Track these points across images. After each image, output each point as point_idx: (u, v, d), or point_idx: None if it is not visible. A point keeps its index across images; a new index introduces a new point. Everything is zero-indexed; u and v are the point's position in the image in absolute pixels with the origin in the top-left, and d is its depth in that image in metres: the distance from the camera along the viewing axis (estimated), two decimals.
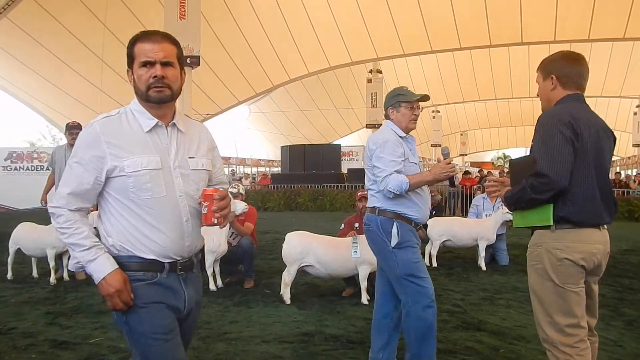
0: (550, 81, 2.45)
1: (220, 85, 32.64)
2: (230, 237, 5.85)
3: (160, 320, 1.85)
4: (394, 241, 2.97)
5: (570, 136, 2.23)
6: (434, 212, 7.96)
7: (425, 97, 3.16)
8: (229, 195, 1.92)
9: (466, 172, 18.76)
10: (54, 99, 31.57)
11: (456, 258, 7.46)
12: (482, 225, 6.84)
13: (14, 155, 16.73)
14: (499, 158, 71.53)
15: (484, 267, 6.64)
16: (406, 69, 41.91)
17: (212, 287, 5.42)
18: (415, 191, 3.03)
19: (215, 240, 5.36)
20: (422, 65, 41.98)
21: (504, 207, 6.91)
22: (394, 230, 2.98)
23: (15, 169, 16.65)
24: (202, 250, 2.06)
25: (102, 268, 1.79)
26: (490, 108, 54.32)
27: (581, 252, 2.27)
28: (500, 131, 64.66)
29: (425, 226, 6.15)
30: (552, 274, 2.30)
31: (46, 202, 6.45)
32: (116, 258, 1.83)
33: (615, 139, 2.44)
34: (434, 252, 6.95)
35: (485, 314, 4.57)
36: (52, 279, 5.88)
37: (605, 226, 2.37)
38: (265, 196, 18.30)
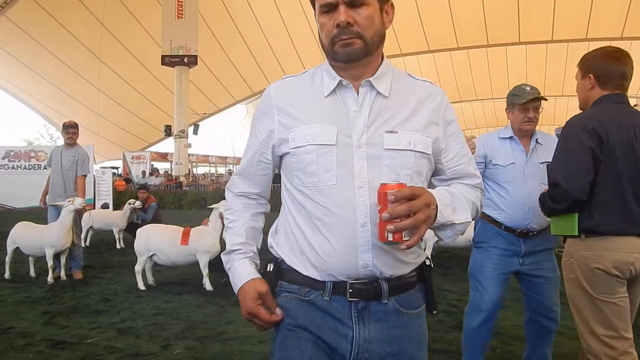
0: (589, 80, 2.34)
1: (217, 85, 32.68)
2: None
3: (293, 354, 1.31)
4: (475, 238, 3.12)
5: (591, 145, 2.16)
6: None
7: (539, 98, 2.96)
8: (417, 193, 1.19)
9: None
10: (51, 97, 31.53)
11: (453, 258, 7.49)
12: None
13: (12, 154, 16.69)
14: None
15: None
16: (403, 68, 41.92)
17: (208, 287, 5.43)
18: (503, 196, 2.95)
19: (210, 240, 5.36)
20: (419, 65, 42.06)
21: None
22: (477, 228, 3.11)
23: (13, 167, 16.61)
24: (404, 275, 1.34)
25: (236, 279, 1.42)
26: (488, 108, 54.46)
27: (613, 261, 2.16)
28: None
29: None
30: (585, 284, 2.22)
31: (45, 203, 6.46)
32: (279, 264, 1.41)
33: None
34: (429, 253, 6.96)
35: None
36: (50, 278, 5.89)
37: None
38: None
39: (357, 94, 1.32)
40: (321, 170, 1.29)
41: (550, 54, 36.80)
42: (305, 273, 1.31)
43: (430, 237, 6.92)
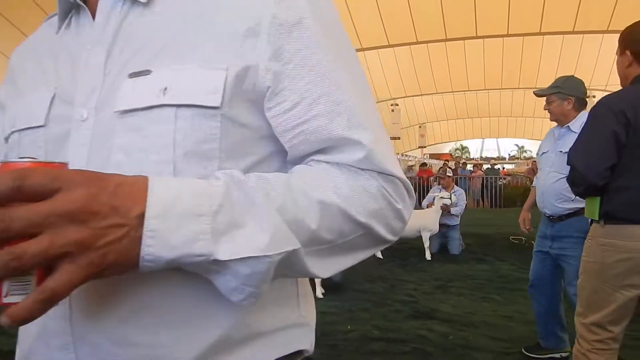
0: (626, 57, 2.17)
1: None
2: None
3: None
4: None
5: (615, 129, 2.03)
6: None
7: (542, 91, 3.19)
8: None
9: (423, 164, 19.06)
10: None
11: (411, 249, 7.56)
12: (424, 216, 6.97)
13: None
14: (457, 149, 73.07)
15: (429, 257, 6.78)
16: (364, 62, 42.25)
17: None
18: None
19: None
20: (380, 59, 42.36)
21: (442, 193, 7.07)
22: None
23: None
24: None
25: None
26: (448, 100, 55.26)
27: (629, 252, 2.05)
28: (458, 123, 65.87)
29: None
30: (596, 271, 2.17)
31: None
32: None
33: None
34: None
35: (437, 303, 4.66)
36: None
37: None
38: None
39: (94, 20, 0.68)
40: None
41: (507, 48, 37.69)
42: None
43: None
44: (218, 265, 0.52)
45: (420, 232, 6.89)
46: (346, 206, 0.62)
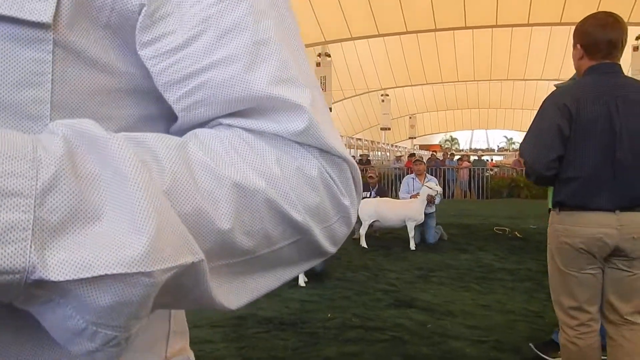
0: (577, 50, 2.25)
1: None
2: None
3: None
4: None
5: (559, 123, 2.15)
6: (374, 194, 8.08)
7: (563, 83, 3.03)
8: None
9: (411, 155, 19.08)
10: None
11: (396, 239, 7.62)
12: (409, 206, 7.00)
13: None
14: (446, 140, 73.35)
15: (413, 247, 6.83)
16: (355, 52, 42.08)
17: None
18: None
19: None
20: (370, 49, 42.23)
21: (431, 183, 7.09)
22: None
23: None
24: None
25: None
26: (438, 91, 55.42)
27: (579, 236, 2.17)
28: (448, 114, 66.18)
29: None
30: (555, 256, 2.28)
31: None
32: None
33: None
34: (363, 232, 7.14)
35: (418, 292, 4.71)
36: None
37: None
38: None
39: None
40: None
41: (496, 39, 37.76)
42: None
43: (365, 217, 7.10)
44: (47, 289, 0.29)
45: (405, 222, 6.93)
46: (277, 196, 0.40)
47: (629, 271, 2.21)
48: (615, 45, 2.17)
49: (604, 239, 2.16)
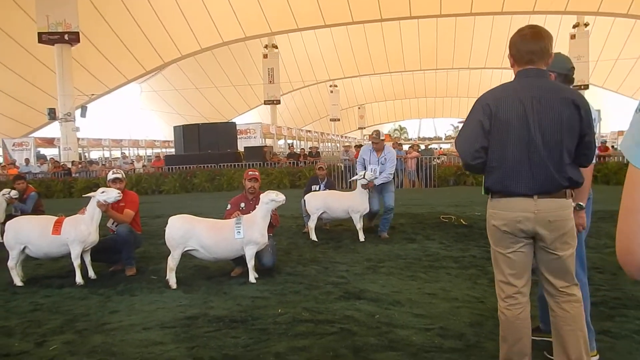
0: (509, 58, 2.59)
1: (105, 64, 30.72)
2: (111, 224, 5.62)
3: None
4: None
5: (481, 119, 2.49)
6: (323, 187, 8.13)
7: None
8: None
9: (358, 146, 19.27)
10: None
11: (345, 230, 7.72)
12: (353, 198, 7.09)
13: None
14: (395, 130, 74.44)
15: (362, 238, 6.92)
16: (302, 44, 42.02)
17: (78, 280, 5.13)
18: None
19: (84, 230, 5.11)
20: (317, 40, 42.27)
21: (361, 173, 7.02)
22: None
23: None
24: None
25: None
26: (385, 81, 56.18)
27: (503, 219, 2.51)
28: (396, 104, 67.27)
29: None
30: (489, 236, 2.65)
31: None
32: None
33: (577, 105, 2.40)
34: (312, 225, 7.19)
35: (367, 283, 4.80)
36: None
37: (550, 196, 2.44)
38: (160, 179, 17.66)
39: None
40: None
41: (441, 28, 38.56)
42: None
43: (313, 210, 7.18)
44: None
45: (349, 213, 7.03)
46: None
47: (555, 254, 2.50)
48: (536, 54, 2.49)
49: (523, 221, 2.47)
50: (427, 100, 64.49)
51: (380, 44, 41.82)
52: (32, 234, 5.19)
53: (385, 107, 67.13)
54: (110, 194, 5.15)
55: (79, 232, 5.08)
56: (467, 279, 4.86)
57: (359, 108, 61.17)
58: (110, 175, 5.81)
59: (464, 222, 8.04)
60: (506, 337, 2.60)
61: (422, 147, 21.37)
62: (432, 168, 15.90)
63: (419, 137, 66.25)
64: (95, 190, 5.30)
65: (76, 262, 5.14)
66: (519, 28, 2.59)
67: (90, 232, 5.14)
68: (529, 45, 2.49)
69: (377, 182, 7.10)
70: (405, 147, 22.13)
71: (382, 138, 7.31)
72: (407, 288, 4.60)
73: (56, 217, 5.27)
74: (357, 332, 3.51)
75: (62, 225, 5.13)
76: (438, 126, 74.56)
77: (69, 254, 5.17)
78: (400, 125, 76.40)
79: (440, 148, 37.84)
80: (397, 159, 16.39)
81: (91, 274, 5.32)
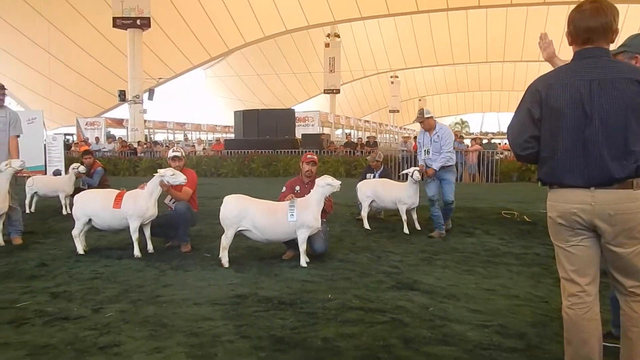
0: (567, 36, 2.37)
1: (173, 49, 31.67)
2: (169, 201, 5.72)
3: None
4: None
5: (529, 107, 2.35)
6: (377, 176, 8.02)
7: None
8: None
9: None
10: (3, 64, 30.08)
11: (401, 221, 7.52)
12: (402, 189, 6.88)
13: None
14: (456, 123, 72.73)
15: (406, 230, 6.71)
16: (364, 33, 41.64)
17: (136, 253, 5.28)
18: None
19: (143, 205, 5.24)
20: (380, 30, 41.77)
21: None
22: None
23: None
24: None
25: None
26: (449, 73, 54.82)
27: (558, 211, 2.34)
28: (458, 96, 65.60)
29: None
30: (549, 229, 2.47)
31: None
32: None
33: None
34: (364, 214, 7.10)
35: (421, 274, 4.63)
36: None
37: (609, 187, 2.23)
38: (219, 162, 18.03)
39: None
40: None
41: (510, 18, 37.07)
42: None
43: (363, 198, 7.08)
44: None
45: (396, 204, 6.88)
46: None
47: (619, 250, 2.26)
48: (595, 32, 2.27)
49: (578, 213, 2.28)
50: (491, 93, 62.47)
51: (445, 34, 40.74)
52: (97, 207, 5.41)
53: (447, 99, 65.63)
54: (178, 178, 5.25)
55: (137, 206, 5.23)
56: (530, 277, 4.60)
57: (420, 100, 60.02)
58: (170, 153, 5.93)
59: (527, 219, 7.66)
60: (571, 340, 2.39)
61: (485, 140, 20.63)
62: (494, 162, 15.33)
63: (480, 132, 64.36)
64: (158, 170, 5.41)
65: (134, 236, 5.28)
66: (579, 2, 2.35)
67: (149, 207, 5.27)
68: (588, 22, 2.27)
69: (436, 165, 6.41)
70: (467, 142, 21.50)
71: (427, 115, 6.55)
72: (464, 282, 4.40)
73: (118, 191, 5.44)
74: (409, 323, 3.37)
75: (122, 200, 5.28)
76: (502, 121, 72.04)
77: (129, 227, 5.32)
78: (461, 119, 74.55)
79: (505, 143, 36.57)
80: (457, 152, 15.94)
81: (150, 248, 5.46)
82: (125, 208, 5.26)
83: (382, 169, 8.24)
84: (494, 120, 73.66)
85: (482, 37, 40.39)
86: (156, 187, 5.27)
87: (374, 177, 7.97)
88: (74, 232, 5.44)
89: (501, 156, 16.41)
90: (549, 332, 3.23)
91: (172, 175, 5.22)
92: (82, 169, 8.57)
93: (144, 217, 5.27)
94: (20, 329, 3.31)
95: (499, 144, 28.77)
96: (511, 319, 3.46)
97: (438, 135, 6.47)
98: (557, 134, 2.30)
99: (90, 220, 5.45)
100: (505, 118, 70.64)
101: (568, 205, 2.30)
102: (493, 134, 58.56)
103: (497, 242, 6.11)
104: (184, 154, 6.06)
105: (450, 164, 6.52)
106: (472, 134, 59.73)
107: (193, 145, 24.90)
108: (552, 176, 2.36)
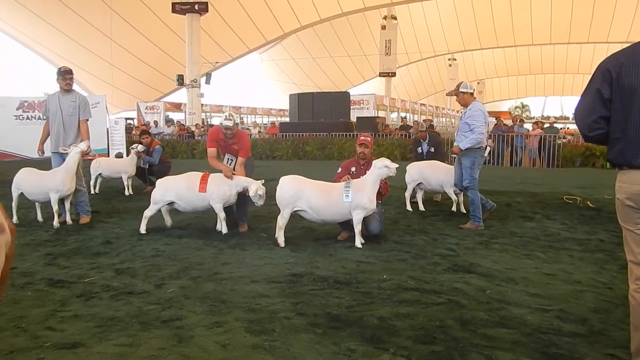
0: None
1: (230, 33, 32.16)
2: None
3: None
4: None
5: (599, 86, 2.32)
6: (426, 146, 8.09)
7: None
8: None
9: None
10: (65, 48, 31.45)
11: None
12: (449, 171, 6.72)
13: (26, 104, 16.74)
14: (516, 107, 70.17)
15: (462, 210, 6.75)
16: (422, 14, 40.72)
17: (224, 230, 5.57)
18: None
19: (227, 190, 5.49)
20: (438, 11, 40.71)
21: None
22: None
23: (27, 118, 16.70)
24: None
25: None
26: (509, 55, 52.83)
27: (626, 193, 2.31)
28: (519, 80, 63.21)
29: None
30: (617, 212, 2.45)
31: (43, 152, 6.51)
32: None
33: None
34: (407, 195, 7.11)
35: (478, 258, 4.56)
36: (55, 222, 5.99)
37: None
38: (274, 145, 18.26)
39: None
40: None
41: None
42: None
43: (409, 179, 7.08)
44: None
45: (443, 187, 6.83)
46: None
47: None
48: None
49: None
50: (554, 76, 59.77)
51: (507, 15, 39.21)
52: (181, 191, 5.64)
53: (507, 82, 63.37)
54: (252, 187, 5.45)
55: (221, 192, 5.48)
56: (593, 263, 4.43)
57: (478, 83, 58.21)
58: (225, 122, 5.67)
59: (590, 205, 7.35)
60: (638, 325, 2.32)
61: (547, 125, 19.85)
62: (556, 147, 14.74)
63: (542, 116, 61.86)
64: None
65: (222, 215, 5.56)
66: None
67: (232, 194, 5.54)
68: None
69: (462, 145, 5.85)
70: (527, 126, 20.74)
71: (462, 90, 5.94)
72: (523, 266, 4.30)
73: (201, 174, 5.65)
74: (465, 305, 3.34)
75: (207, 184, 5.52)
76: (565, 105, 68.88)
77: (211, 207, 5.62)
78: (522, 103, 71.85)
79: (568, 128, 35.02)
80: (516, 136, 15.41)
81: (225, 229, 5.63)
82: (209, 192, 5.51)
83: (428, 137, 8.15)
84: (556, 104, 70.51)
85: (546, 18, 38.57)
86: (240, 180, 5.60)
87: (423, 147, 8.09)
88: (147, 213, 5.70)
89: (564, 140, 15.75)
90: (613, 318, 3.12)
91: (257, 190, 5.43)
92: (141, 147, 8.95)
93: (229, 201, 5.58)
94: (88, 302, 3.51)
95: (562, 128, 27.58)
96: (573, 304, 3.37)
97: (467, 114, 5.91)
98: (628, 114, 2.25)
99: (172, 204, 5.71)
100: (569, 102, 67.49)
101: (637, 187, 2.26)
102: (555, 118, 56.14)
103: (559, 227, 5.91)
104: (237, 120, 6.06)
105: (479, 146, 5.91)
106: (533, 117, 57.48)
107: (249, 129, 25.31)
108: (622, 157, 2.31)
